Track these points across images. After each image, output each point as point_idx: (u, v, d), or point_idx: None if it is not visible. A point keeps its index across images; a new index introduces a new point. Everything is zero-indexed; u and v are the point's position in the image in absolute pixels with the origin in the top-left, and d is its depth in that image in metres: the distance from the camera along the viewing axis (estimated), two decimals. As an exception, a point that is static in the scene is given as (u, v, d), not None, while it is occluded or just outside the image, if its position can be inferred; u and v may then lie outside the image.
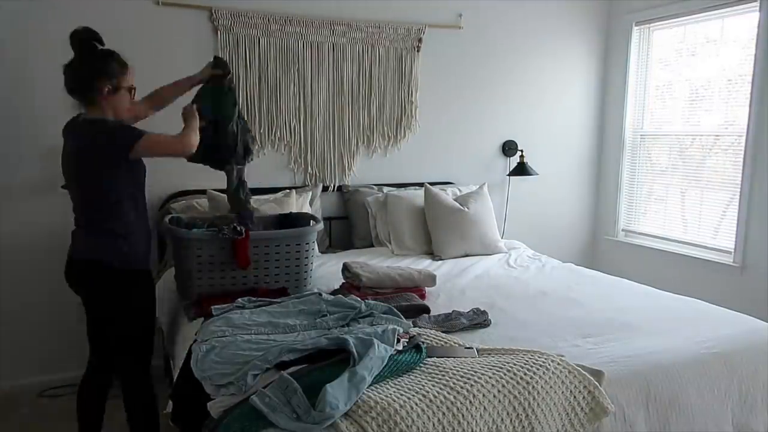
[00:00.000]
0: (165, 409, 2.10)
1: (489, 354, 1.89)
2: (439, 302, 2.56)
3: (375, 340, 1.73)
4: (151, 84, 3.26)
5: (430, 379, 1.69)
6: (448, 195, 3.62)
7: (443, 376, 1.70)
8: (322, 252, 3.39)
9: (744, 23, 3.55)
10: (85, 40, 2.17)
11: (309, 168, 3.65)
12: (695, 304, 2.58)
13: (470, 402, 1.60)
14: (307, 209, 3.36)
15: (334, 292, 2.52)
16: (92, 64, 2.14)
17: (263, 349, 1.76)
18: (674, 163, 4.06)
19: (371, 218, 3.58)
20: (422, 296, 2.59)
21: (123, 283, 2.16)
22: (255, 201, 3.20)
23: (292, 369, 1.65)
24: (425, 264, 3.22)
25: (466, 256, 3.44)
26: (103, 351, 2.30)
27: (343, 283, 2.65)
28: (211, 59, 2.57)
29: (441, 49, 3.88)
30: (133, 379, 2.25)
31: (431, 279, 2.67)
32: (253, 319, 2.05)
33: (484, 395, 1.63)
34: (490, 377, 1.68)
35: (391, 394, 1.59)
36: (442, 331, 2.10)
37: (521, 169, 4.03)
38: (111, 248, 2.13)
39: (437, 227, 3.47)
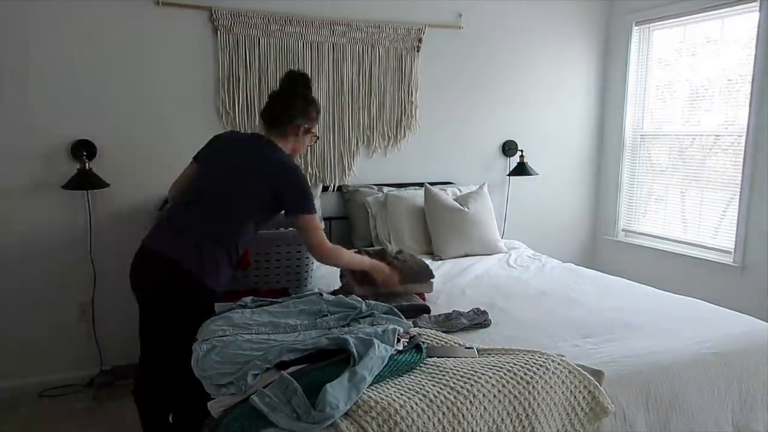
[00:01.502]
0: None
1: (489, 354, 1.89)
2: (439, 302, 2.57)
3: (375, 340, 1.73)
4: (150, 84, 3.28)
5: (430, 379, 1.69)
6: (448, 195, 3.62)
7: (443, 376, 1.70)
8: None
9: (744, 23, 3.55)
10: (302, 80, 2.31)
11: (309, 168, 3.65)
12: (695, 304, 2.58)
13: (470, 402, 1.60)
14: (307, 209, 3.36)
15: (334, 292, 2.52)
16: (305, 102, 2.28)
17: (263, 349, 1.76)
18: (674, 163, 4.06)
19: (371, 218, 3.58)
20: (422, 296, 2.59)
21: (193, 292, 2.13)
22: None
23: (292, 369, 1.65)
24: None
25: (466, 256, 3.44)
26: (153, 349, 2.26)
27: (342, 284, 2.65)
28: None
29: (441, 49, 3.88)
30: (172, 386, 2.20)
31: (429, 279, 2.66)
32: (254, 319, 2.05)
33: (484, 395, 1.63)
34: (490, 377, 1.68)
35: (391, 394, 1.59)
36: (443, 331, 2.10)
37: (521, 169, 4.03)
38: (209, 269, 2.10)
39: (437, 227, 3.47)
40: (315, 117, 2.33)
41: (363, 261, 2.40)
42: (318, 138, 2.42)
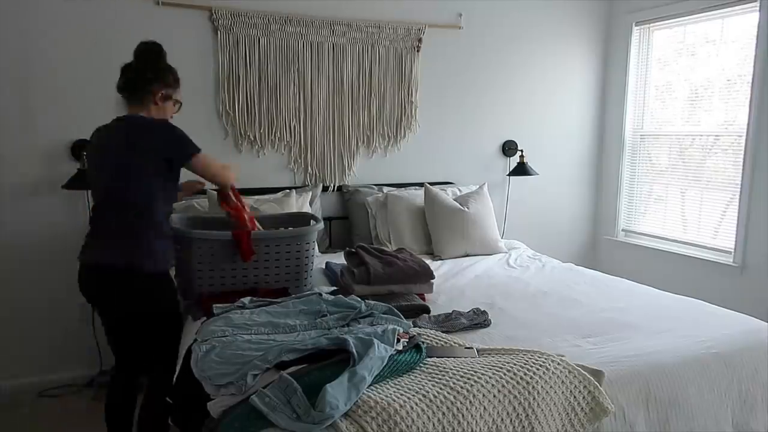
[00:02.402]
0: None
1: (489, 354, 1.89)
2: (439, 302, 2.56)
3: (375, 340, 1.72)
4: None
5: (430, 379, 1.69)
6: (448, 195, 3.62)
7: (443, 376, 1.70)
8: (322, 252, 3.39)
9: (744, 23, 3.55)
10: (152, 50, 2.26)
11: (309, 168, 3.65)
12: (695, 304, 2.58)
13: (470, 402, 1.60)
14: (307, 209, 3.36)
15: (334, 292, 2.51)
16: (155, 69, 2.24)
17: (263, 349, 1.76)
18: (674, 163, 4.06)
19: (371, 218, 3.58)
20: (422, 296, 2.59)
21: (153, 287, 2.16)
22: (255, 201, 3.22)
23: (291, 369, 1.65)
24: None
25: (466, 256, 3.44)
26: (129, 356, 2.28)
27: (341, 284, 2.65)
28: None
29: (441, 49, 3.88)
30: (160, 388, 2.20)
31: (429, 279, 2.66)
32: (253, 319, 2.05)
33: (484, 395, 1.63)
34: (490, 377, 1.68)
35: (391, 394, 1.59)
36: (442, 331, 2.10)
37: (521, 169, 4.03)
38: (145, 251, 2.12)
39: (437, 227, 3.47)
40: (171, 82, 2.27)
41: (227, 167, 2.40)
42: (181, 104, 2.35)
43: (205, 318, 2.21)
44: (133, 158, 2.10)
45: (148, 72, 2.21)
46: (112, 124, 2.23)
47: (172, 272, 2.33)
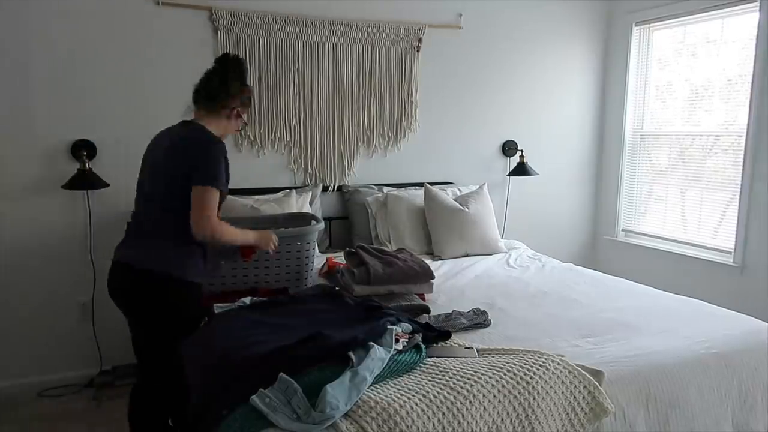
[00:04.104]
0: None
1: (489, 354, 1.89)
2: (439, 302, 2.56)
3: (374, 344, 1.73)
4: (150, 84, 3.28)
5: (430, 379, 1.69)
6: (448, 195, 3.62)
7: (443, 376, 1.70)
8: (322, 252, 3.39)
9: (744, 23, 3.55)
10: (237, 63, 2.24)
11: (309, 168, 3.65)
12: (695, 304, 2.58)
13: (470, 402, 1.60)
14: (307, 209, 3.36)
15: (333, 292, 2.51)
16: (239, 84, 2.22)
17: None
18: (674, 163, 4.06)
19: (371, 218, 3.58)
20: (422, 296, 2.59)
21: (179, 294, 2.11)
22: (255, 201, 3.22)
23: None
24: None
25: (466, 256, 3.44)
26: (154, 362, 2.21)
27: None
28: None
29: (441, 49, 3.88)
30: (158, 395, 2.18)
31: (429, 280, 2.66)
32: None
33: (484, 395, 1.63)
34: (490, 377, 1.68)
35: (391, 394, 1.59)
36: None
37: (521, 169, 4.03)
38: (179, 257, 2.08)
39: (437, 227, 3.47)
40: (246, 101, 2.26)
41: (246, 234, 2.25)
42: (246, 124, 2.36)
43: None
44: (173, 168, 2.08)
45: (233, 84, 2.19)
46: (175, 126, 2.21)
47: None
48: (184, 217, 2.03)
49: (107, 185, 3.07)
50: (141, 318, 2.14)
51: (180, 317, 2.11)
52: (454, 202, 3.54)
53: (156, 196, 2.13)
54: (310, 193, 3.52)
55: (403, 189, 3.77)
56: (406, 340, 1.88)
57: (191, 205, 2.02)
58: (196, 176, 2.02)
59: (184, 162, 2.06)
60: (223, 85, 2.18)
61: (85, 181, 3.02)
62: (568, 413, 1.74)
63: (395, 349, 1.78)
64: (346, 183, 3.75)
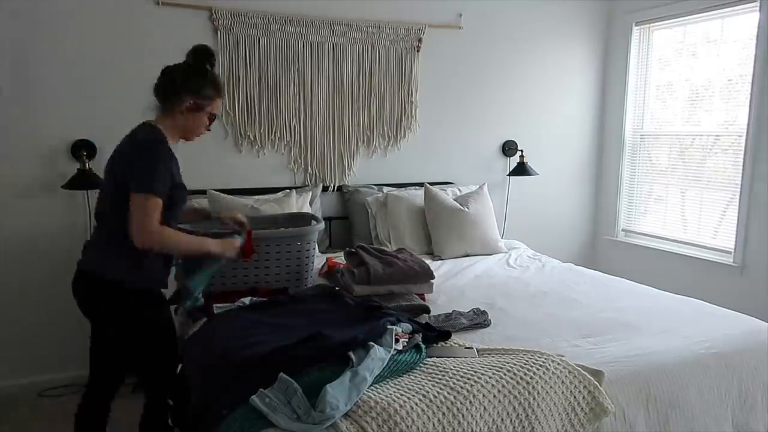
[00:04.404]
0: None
1: (489, 354, 1.89)
2: (439, 302, 2.56)
3: (373, 344, 1.73)
4: (150, 84, 3.26)
5: (430, 379, 1.69)
6: (448, 195, 3.62)
7: (443, 376, 1.70)
8: (322, 252, 3.39)
9: (744, 23, 3.55)
10: (197, 52, 2.10)
11: (309, 168, 3.65)
12: (695, 304, 2.58)
13: (470, 402, 1.60)
14: (307, 209, 3.36)
15: (333, 292, 2.51)
16: (190, 75, 2.06)
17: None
18: (674, 163, 4.06)
19: (371, 218, 3.58)
20: (422, 296, 2.59)
21: (140, 303, 2.02)
22: (255, 201, 3.22)
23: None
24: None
25: (466, 256, 3.44)
26: (108, 375, 2.14)
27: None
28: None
29: (441, 49, 3.88)
30: (158, 408, 2.13)
31: (429, 280, 2.65)
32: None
33: (484, 395, 1.63)
34: (490, 377, 1.68)
35: (391, 394, 1.59)
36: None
37: (521, 169, 4.03)
38: (134, 266, 1.97)
39: (437, 227, 3.47)
40: (208, 93, 2.05)
41: (203, 243, 2.07)
42: (215, 118, 2.14)
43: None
44: (115, 174, 1.98)
45: (179, 76, 2.03)
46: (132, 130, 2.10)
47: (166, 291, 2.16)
48: (120, 219, 1.92)
49: (107, 185, 3.06)
50: (99, 324, 2.07)
51: (136, 324, 2.02)
52: (454, 202, 3.54)
53: (105, 204, 2.05)
54: (310, 193, 3.52)
55: (403, 189, 3.77)
56: (406, 340, 1.88)
57: (130, 214, 1.89)
58: (132, 184, 1.89)
59: (122, 168, 1.94)
60: (170, 75, 2.03)
61: (85, 181, 3.01)
62: (568, 413, 1.74)
63: (395, 349, 1.78)
64: (346, 183, 3.75)
